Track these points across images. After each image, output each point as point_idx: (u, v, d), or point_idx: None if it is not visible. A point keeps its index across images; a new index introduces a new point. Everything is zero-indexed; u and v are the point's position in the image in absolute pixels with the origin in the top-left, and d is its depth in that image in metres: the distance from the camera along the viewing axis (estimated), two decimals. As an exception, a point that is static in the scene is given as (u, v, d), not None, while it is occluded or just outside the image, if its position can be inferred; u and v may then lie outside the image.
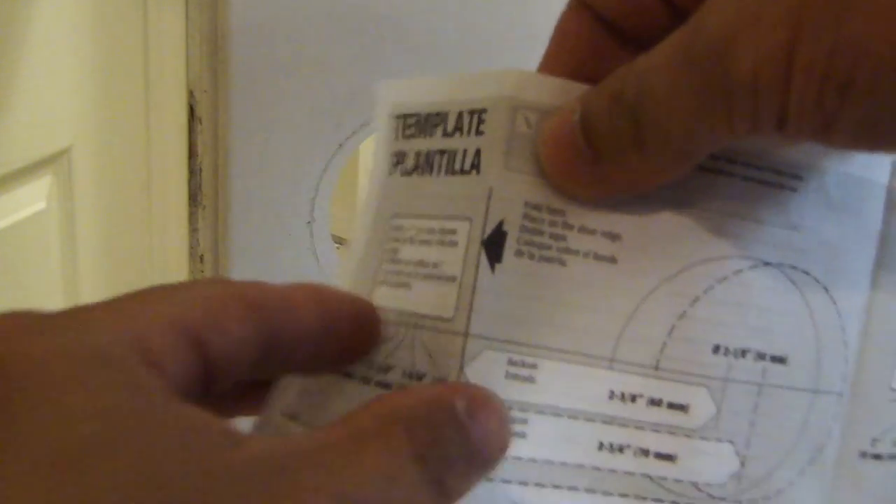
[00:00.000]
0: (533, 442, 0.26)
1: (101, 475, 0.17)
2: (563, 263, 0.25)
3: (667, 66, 0.20)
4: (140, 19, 0.79)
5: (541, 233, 0.25)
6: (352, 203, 1.03)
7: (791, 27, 0.18)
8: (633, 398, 0.26)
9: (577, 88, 0.24)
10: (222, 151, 0.32)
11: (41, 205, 0.70)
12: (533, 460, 0.26)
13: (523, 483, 0.26)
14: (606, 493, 0.26)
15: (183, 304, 0.22)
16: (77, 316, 0.21)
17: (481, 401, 0.22)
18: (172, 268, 0.81)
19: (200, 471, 0.18)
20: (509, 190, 0.25)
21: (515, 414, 0.25)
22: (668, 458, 0.27)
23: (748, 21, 0.18)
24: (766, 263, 0.27)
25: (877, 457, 0.29)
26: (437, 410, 0.22)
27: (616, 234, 0.26)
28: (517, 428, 0.25)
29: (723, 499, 0.27)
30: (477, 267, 0.25)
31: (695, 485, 0.27)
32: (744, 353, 0.27)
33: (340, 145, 0.32)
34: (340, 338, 0.25)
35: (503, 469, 0.25)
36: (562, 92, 0.25)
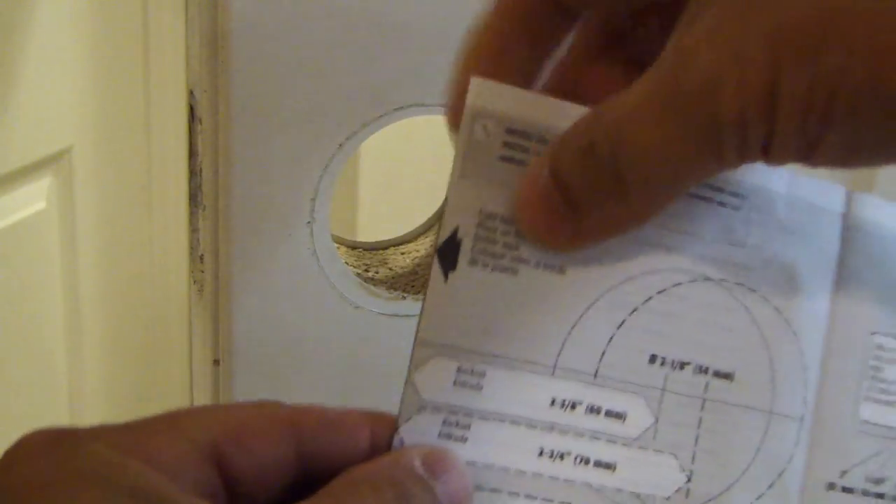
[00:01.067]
0: (474, 446, 0.26)
1: None
2: (514, 273, 0.26)
3: (648, 114, 0.20)
4: (140, 19, 0.79)
5: (494, 242, 0.26)
6: (352, 203, 1.03)
7: (771, 66, 0.18)
8: (573, 405, 0.27)
9: (535, 98, 0.25)
10: (222, 151, 0.32)
11: (41, 205, 0.70)
12: (473, 464, 0.26)
13: None
14: (547, 500, 0.27)
15: (208, 426, 0.23)
16: (96, 434, 0.22)
17: (438, 455, 0.24)
18: (172, 268, 0.81)
19: None
20: (465, 199, 0.25)
21: (460, 419, 0.26)
22: (608, 466, 0.27)
23: (730, 63, 0.19)
24: (707, 279, 0.27)
25: (847, 490, 0.29)
26: (397, 469, 0.23)
27: None
28: (460, 433, 0.26)
29: None
30: (431, 275, 0.25)
31: (637, 495, 0.28)
32: (682, 365, 0.27)
33: (340, 145, 0.32)
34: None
35: None
36: (520, 101, 0.25)
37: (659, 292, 0.27)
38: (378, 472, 0.23)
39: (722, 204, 0.27)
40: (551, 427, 0.27)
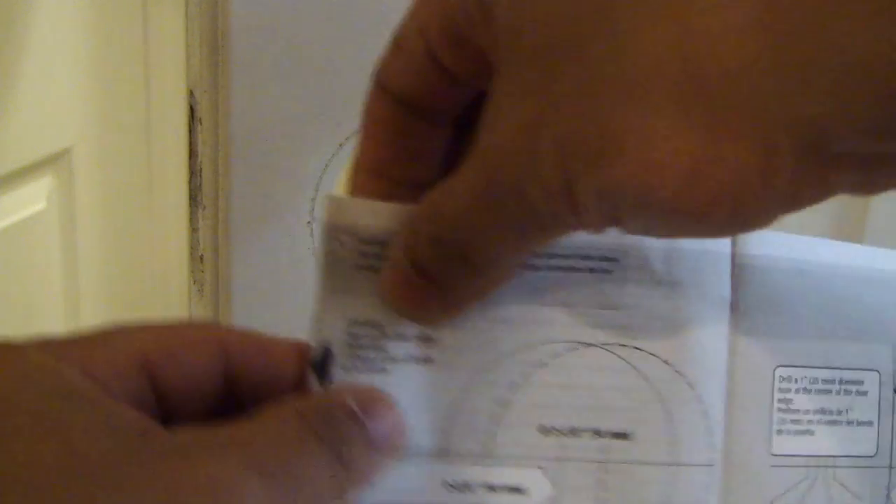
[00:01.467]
0: None
1: (23, 444, 0.21)
2: (386, 372, 0.27)
3: (476, 209, 0.23)
4: (140, 19, 0.79)
5: (364, 347, 0.27)
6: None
7: (564, 174, 0.21)
8: (469, 486, 0.28)
9: (384, 206, 0.27)
10: (222, 151, 0.32)
11: (41, 205, 0.70)
12: None
13: None
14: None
15: (140, 339, 0.25)
16: (33, 344, 0.24)
17: (371, 394, 0.26)
18: (172, 268, 0.81)
19: (125, 449, 0.21)
20: (331, 311, 0.27)
21: None
22: None
23: (531, 169, 0.21)
24: (589, 344, 0.28)
25: None
26: (329, 404, 0.25)
27: (429, 337, 0.27)
28: None
29: None
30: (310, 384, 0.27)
31: None
32: (576, 431, 0.28)
33: (340, 145, 0.32)
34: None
35: None
36: (371, 211, 0.27)
37: (537, 366, 0.28)
38: (309, 404, 0.25)
39: (592, 270, 0.28)
40: None
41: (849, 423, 0.30)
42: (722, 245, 0.29)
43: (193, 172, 0.34)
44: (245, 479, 0.22)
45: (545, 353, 0.28)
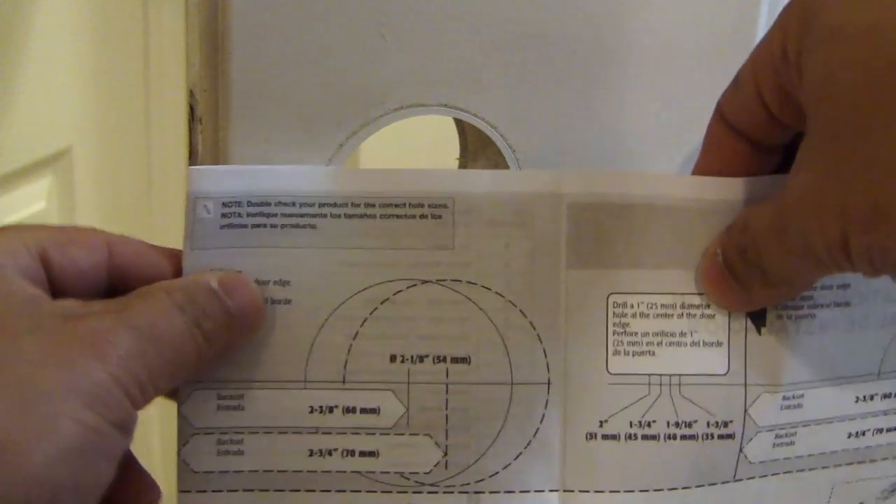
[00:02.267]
0: (250, 457, 0.31)
1: None
2: (264, 316, 0.31)
3: (776, 237, 0.29)
4: (140, 19, 0.79)
5: None
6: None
7: (841, 229, 0.26)
8: (331, 409, 0.32)
9: (241, 170, 0.31)
10: (222, 151, 0.32)
11: (41, 205, 0.70)
12: (254, 472, 0.31)
13: (248, 490, 0.32)
14: (324, 491, 0.32)
15: (37, 233, 0.29)
16: None
17: (232, 277, 0.30)
18: (172, 268, 0.81)
19: (16, 310, 0.26)
20: (196, 266, 0.31)
21: (231, 436, 0.31)
22: (372, 454, 0.32)
23: (814, 213, 0.27)
24: (425, 281, 0.32)
25: (610, 437, 0.32)
26: (193, 283, 0.29)
27: (286, 281, 0.31)
28: (234, 447, 0.31)
29: (434, 484, 0.32)
30: None
31: (401, 474, 0.32)
32: (421, 358, 0.32)
33: (340, 145, 0.32)
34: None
35: (228, 482, 0.31)
36: (231, 177, 0.31)
37: (382, 302, 0.32)
38: (175, 283, 0.29)
39: (423, 217, 0.32)
40: (315, 430, 0.32)
41: (694, 344, 0.32)
42: (550, 186, 0.32)
43: (193, 172, 0.34)
44: (119, 332, 0.26)
45: (388, 290, 0.32)
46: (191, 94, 0.33)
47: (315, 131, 0.32)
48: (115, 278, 0.30)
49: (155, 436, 0.83)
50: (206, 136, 0.32)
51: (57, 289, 0.29)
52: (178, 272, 0.31)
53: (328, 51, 0.31)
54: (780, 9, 0.35)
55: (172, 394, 0.31)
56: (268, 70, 0.31)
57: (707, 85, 0.35)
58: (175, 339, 0.28)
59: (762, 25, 0.35)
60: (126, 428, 0.26)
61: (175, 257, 0.31)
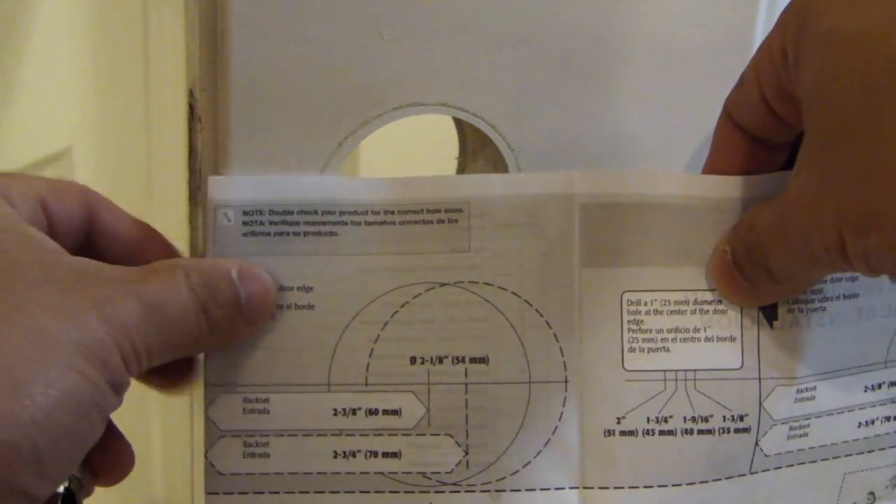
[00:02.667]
0: (276, 459, 0.32)
1: None
2: (272, 317, 0.32)
3: (778, 239, 0.30)
4: (140, 19, 0.79)
5: None
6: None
7: (837, 232, 0.27)
8: (354, 411, 0.32)
9: (262, 181, 0.32)
10: (222, 150, 0.32)
11: (41, 205, 0.70)
12: (280, 473, 0.32)
13: (274, 492, 0.32)
14: (348, 492, 0.32)
15: (33, 180, 0.31)
16: None
17: (250, 269, 0.31)
18: (172, 267, 0.81)
19: (39, 262, 0.27)
20: None
21: (258, 439, 0.32)
22: (394, 454, 0.33)
23: (812, 216, 0.28)
24: (443, 284, 0.33)
25: (628, 433, 0.33)
26: (213, 268, 0.30)
27: (309, 287, 0.32)
28: (260, 450, 0.32)
29: (455, 484, 0.33)
30: None
31: (423, 474, 0.33)
32: (440, 359, 0.33)
33: (339, 144, 0.32)
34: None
35: (254, 484, 0.32)
36: (251, 187, 0.32)
37: (402, 305, 0.32)
38: (195, 263, 0.30)
39: (441, 221, 0.32)
40: (339, 432, 0.32)
41: (708, 339, 0.33)
42: (561, 187, 0.32)
43: (193, 171, 0.34)
44: (128, 302, 0.27)
45: (407, 293, 0.33)
46: (190, 93, 0.33)
47: (314, 130, 0.32)
48: (90, 237, 0.32)
49: (156, 435, 0.83)
50: (205, 136, 0.32)
51: (51, 233, 0.30)
52: (168, 253, 0.32)
53: (327, 50, 0.31)
54: (778, 8, 0.35)
55: (166, 376, 0.32)
56: (267, 69, 0.31)
57: (707, 85, 0.35)
58: (180, 321, 0.29)
59: (761, 25, 0.35)
60: (119, 389, 0.28)
61: (165, 244, 0.33)
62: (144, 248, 0.32)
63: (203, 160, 0.32)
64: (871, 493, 0.36)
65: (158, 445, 0.84)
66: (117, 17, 0.76)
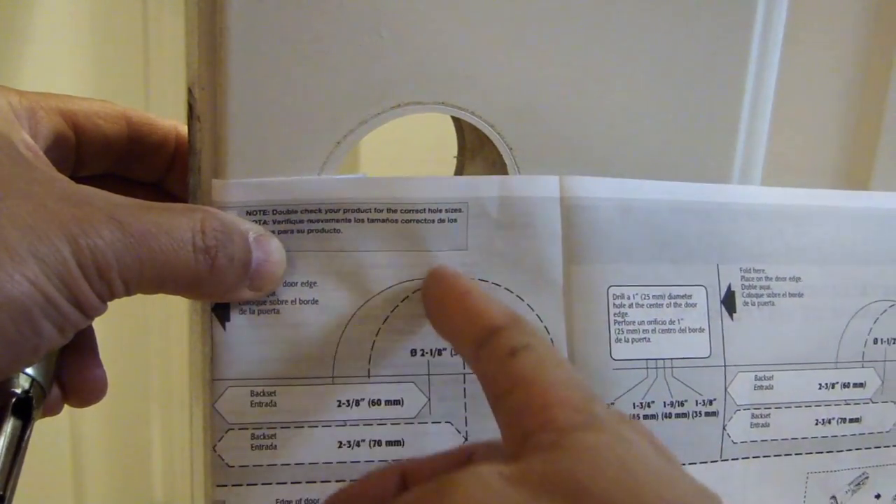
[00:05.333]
0: (284, 451, 0.33)
1: None
2: (277, 312, 0.33)
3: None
4: (140, 19, 0.79)
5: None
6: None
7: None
8: (357, 402, 0.33)
9: (262, 182, 0.32)
10: (222, 149, 0.32)
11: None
12: (286, 464, 0.33)
13: (281, 483, 0.33)
14: (354, 481, 0.32)
15: (70, 99, 0.32)
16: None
17: (267, 238, 0.32)
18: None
19: (35, 180, 0.28)
20: None
21: (265, 431, 0.33)
22: (398, 443, 0.34)
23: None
24: None
25: None
26: (234, 223, 0.31)
27: (313, 282, 0.33)
28: (267, 441, 0.33)
29: None
30: (212, 327, 0.33)
31: None
32: (439, 351, 0.34)
33: (338, 143, 0.32)
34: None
35: (262, 475, 0.33)
36: (252, 188, 0.32)
37: (402, 301, 0.33)
38: (223, 214, 0.31)
39: (442, 221, 0.33)
40: (343, 423, 0.33)
41: (682, 330, 0.36)
42: (551, 191, 0.34)
43: (192, 170, 0.34)
44: (105, 226, 0.28)
45: (407, 288, 0.33)
46: (190, 92, 0.33)
47: (313, 129, 0.32)
48: (133, 145, 0.34)
49: (156, 435, 0.83)
50: (205, 134, 0.32)
51: (82, 154, 0.33)
52: (178, 145, 0.35)
53: (326, 49, 0.31)
54: (777, 10, 0.36)
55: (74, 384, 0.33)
56: (266, 68, 0.31)
57: (706, 85, 0.35)
58: (170, 255, 0.29)
59: (759, 24, 0.35)
60: (84, 309, 0.28)
61: (176, 131, 0.35)
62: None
63: (202, 159, 0.33)
64: (834, 497, 0.38)
65: (158, 445, 0.84)
66: (117, 16, 0.77)
